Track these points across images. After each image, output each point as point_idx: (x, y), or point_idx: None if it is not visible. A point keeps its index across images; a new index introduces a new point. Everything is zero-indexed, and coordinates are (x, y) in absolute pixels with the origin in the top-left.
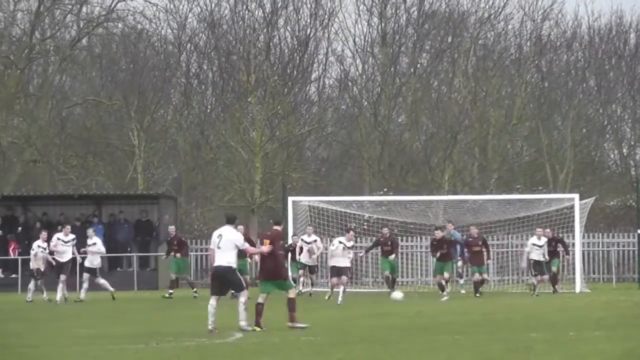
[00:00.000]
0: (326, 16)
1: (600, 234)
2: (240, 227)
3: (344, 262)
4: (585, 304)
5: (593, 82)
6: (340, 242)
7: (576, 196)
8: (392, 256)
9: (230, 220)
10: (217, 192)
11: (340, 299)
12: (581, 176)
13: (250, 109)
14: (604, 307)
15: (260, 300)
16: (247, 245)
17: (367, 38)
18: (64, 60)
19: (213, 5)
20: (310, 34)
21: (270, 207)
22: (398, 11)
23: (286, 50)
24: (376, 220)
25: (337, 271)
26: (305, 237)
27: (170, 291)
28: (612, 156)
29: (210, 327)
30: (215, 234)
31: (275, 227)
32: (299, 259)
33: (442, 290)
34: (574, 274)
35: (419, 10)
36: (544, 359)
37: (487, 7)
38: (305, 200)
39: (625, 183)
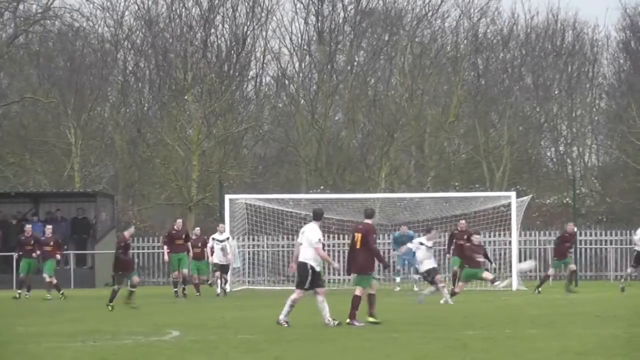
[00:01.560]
0: (263, 14)
1: (537, 232)
2: (179, 220)
3: (431, 263)
4: (521, 301)
5: (530, 79)
6: (422, 244)
7: (513, 194)
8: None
9: (316, 217)
10: (154, 190)
11: (446, 298)
12: (518, 174)
13: (187, 106)
14: (540, 305)
15: (371, 291)
16: (319, 245)
17: (304, 36)
18: (0, 58)
19: (150, 2)
20: (247, 31)
21: (207, 204)
22: (335, 9)
23: (223, 48)
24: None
25: (430, 273)
26: (217, 236)
27: (19, 291)
28: (548, 154)
29: (280, 317)
30: (301, 230)
31: (367, 221)
32: (212, 260)
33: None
34: (510, 271)
35: (356, 8)
36: (480, 356)
37: (423, 5)
38: (242, 198)
39: (561, 181)
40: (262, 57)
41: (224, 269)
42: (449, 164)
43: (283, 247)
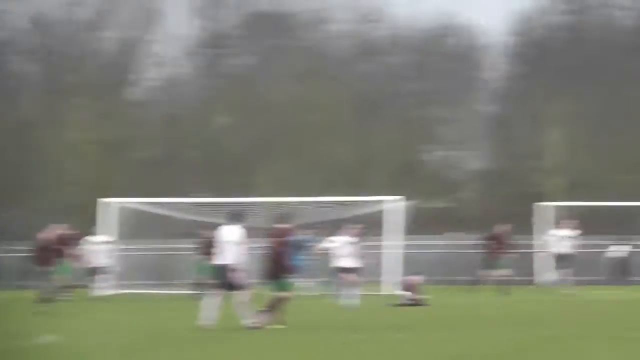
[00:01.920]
0: (152, 18)
1: (420, 236)
2: (52, 226)
3: (351, 262)
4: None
5: (416, 84)
6: (341, 240)
7: (394, 198)
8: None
9: (234, 219)
10: (35, 194)
11: (353, 300)
12: (401, 178)
13: (73, 110)
14: (419, 309)
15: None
16: (236, 246)
17: (192, 40)
18: None
19: (39, 4)
20: (135, 36)
21: (86, 208)
22: (224, 13)
23: (111, 52)
24: (192, 223)
25: (344, 271)
26: (92, 238)
27: None
28: (432, 159)
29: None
30: (219, 231)
31: (280, 225)
32: (85, 264)
33: None
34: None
35: (245, 13)
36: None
37: (313, 10)
38: (120, 201)
39: (444, 185)
40: (149, 61)
41: (98, 271)
42: (333, 168)
43: (161, 250)
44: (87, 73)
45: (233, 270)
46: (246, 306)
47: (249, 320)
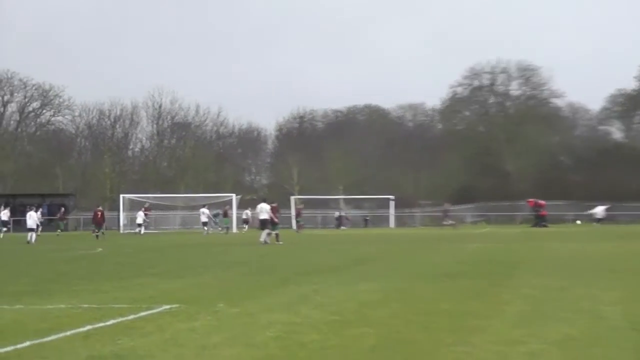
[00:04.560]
0: None
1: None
2: None
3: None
4: None
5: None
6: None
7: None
8: None
9: (266, 200)
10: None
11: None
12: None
13: None
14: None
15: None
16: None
17: None
18: None
19: None
20: None
21: None
22: None
23: None
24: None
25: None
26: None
27: None
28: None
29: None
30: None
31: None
32: None
33: None
34: None
35: None
36: None
37: None
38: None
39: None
40: None
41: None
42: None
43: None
44: None
45: (265, 220)
46: (265, 235)
47: (262, 240)
